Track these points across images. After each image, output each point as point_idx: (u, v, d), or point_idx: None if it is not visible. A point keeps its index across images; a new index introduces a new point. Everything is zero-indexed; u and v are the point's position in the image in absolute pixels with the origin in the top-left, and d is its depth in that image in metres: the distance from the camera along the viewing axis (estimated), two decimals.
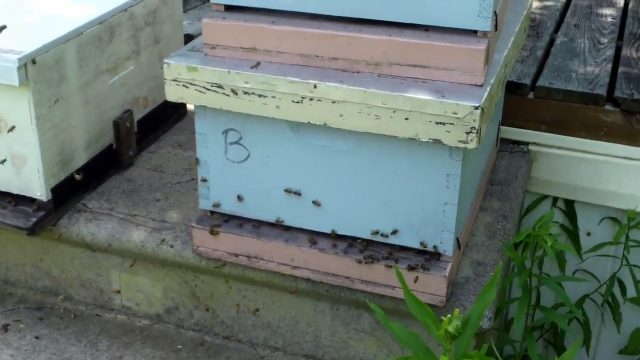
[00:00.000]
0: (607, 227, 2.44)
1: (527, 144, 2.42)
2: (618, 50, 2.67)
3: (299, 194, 1.82)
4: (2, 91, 1.91)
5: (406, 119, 1.62)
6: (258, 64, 1.71)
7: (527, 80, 2.42)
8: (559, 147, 2.39)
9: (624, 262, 2.34)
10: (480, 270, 1.89)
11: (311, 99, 1.68)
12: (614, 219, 2.41)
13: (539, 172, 2.43)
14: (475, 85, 1.63)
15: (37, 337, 2.08)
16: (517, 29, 1.96)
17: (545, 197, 2.47)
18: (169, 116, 2.51)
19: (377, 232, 1.80)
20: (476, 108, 1.56)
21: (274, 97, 1.71)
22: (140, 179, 2.26)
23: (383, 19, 1.69)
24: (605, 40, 2.73)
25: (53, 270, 2.19)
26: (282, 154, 1.80)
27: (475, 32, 1.64)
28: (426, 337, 1.57)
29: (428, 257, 1.78)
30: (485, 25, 1.62)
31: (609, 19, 2.93)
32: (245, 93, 1.73)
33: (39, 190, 2.02)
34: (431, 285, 1.76)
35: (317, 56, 1.72)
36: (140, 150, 2.38)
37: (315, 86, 1.66)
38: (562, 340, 2.49)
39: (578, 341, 1.19)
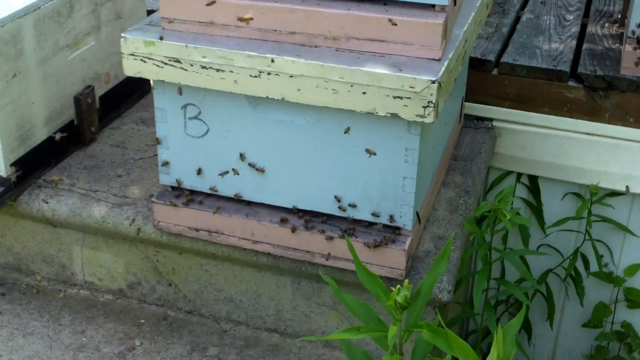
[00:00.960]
0: (571, 202, 2.46)
1: (491, 120, 2.43)
2: (584, 27, 2.68)
3: (258, 169, 1.82)
4: None
5: (364, 93, 1.62)
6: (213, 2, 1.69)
7: (492, 57, 2.42)
8: (523, 123, 2.40)
9: (587, 237, 2.36)
10: (441, 245, 1.90)
11: (269, 74, 1.67)
12: (577, 195, 2.42)
13: (503, 147, 2.44)
14: (433, 59, 1.63)
15: None
16: (478, 5, 1.96)
17: (510, 172, 2.49)
18: (132, 92, 2.49)
19: (336, 207, 1.80)
20: (433, 82, 1.56)
21: (231, 71, 1.70)
22: (102, 155, 2.25)
23: None
24: (571, 17, 2.73)
25: (15, 246, 2.18)
26: (241, 129, 1.79)
27: (433, 6, 1.64)
28: (380, 309, 1.58)
29: (388, 231, 1.79)
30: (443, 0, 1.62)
31: None
32: (203, 67, 1.72)
33: None
34: (390, 259, 1.76)
35: (275, 30, 1.71)
36: (102, 126, 2.36)
37: (272, 60, 1.66)
38: (527, 314, 2.51)
39: (522, 311, 1.20)
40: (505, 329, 1.15)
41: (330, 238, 1.79)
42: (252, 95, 1.73)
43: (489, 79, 2.40)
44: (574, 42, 2.53)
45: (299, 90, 1.67)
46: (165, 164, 1.89)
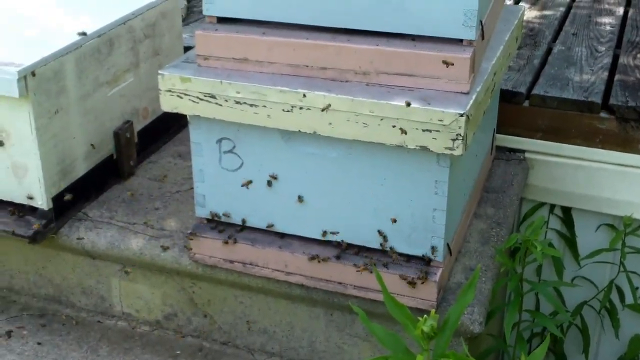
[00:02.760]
0: (605, 233, 2.45)
1: (523, 151, 2.45)
2: (616, 58, 2.69)
3: (292, 201, 1.85)
4: (2, 103, 1.96)
5: (393, 126, 1.65)
6: None
7: (523, 89, 2.44)
8: (555, 155, 2.41)
9: (622, 269, 2.35)
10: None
11: (301, 108, 1.71)
12: (611, 226, 2.42)
13: (535, 179, 2.45)
14: (461, 93, 1.66)
15: (39, 343, 2.12)
16: (506, 38, 1.99)
17: (543, 204, 2.49)
18: (169, 127, 2.55)
19: (368, 238, 1.82)
20: (461, 115, 1.59)
21: (264, 106, 1.74)
22: (140, 189, 2.31)
23: (371, 29, 1.72)
24: (603, 49, 2.75)
25: (55, 278, 2.24)
26: (274, 162, 1.83)
27: (461, 40, 1.67)
28: (410, 341, 1.59)
29: (419, 262, 1.80)
30: (470, 34, 1.65)
31: (608, 28, 2.94)
32: (237, 103, 1.77)
33: (40, 200, 2.06)
34: (422, 291, 1.78)
35: (307, 66, 1.75)
36: (141, 160, 2.42)
37: (304, 95, 1.70)
38: (562, 347, 2.50)
39: (546, 341, 1.21)
40: (530, 357, 1.16)
41: (362, 269, 1.82)
42: (284, 129, 1.77)
43: (521, 110, 2.42)
44: (606, 73, 2.54)
45: (330, 124, 1.70)
46: (201, 196, 1.94)
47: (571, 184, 2.41)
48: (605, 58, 2.66)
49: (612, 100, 2.33)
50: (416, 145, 1.65)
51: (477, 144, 2.01)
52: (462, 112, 1.59)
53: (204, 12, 1.83)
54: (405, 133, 1.64)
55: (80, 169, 2.17)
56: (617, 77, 2.51)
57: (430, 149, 1.64)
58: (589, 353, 2.48)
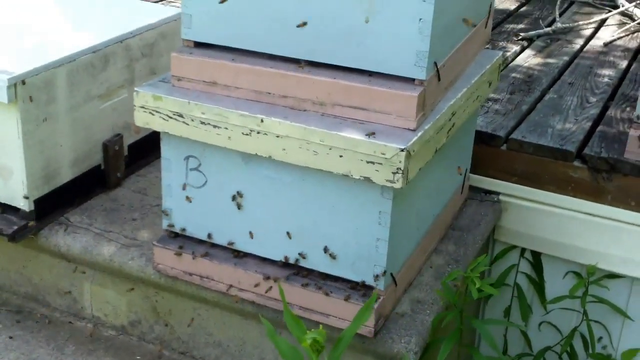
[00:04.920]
0: (572, 281, 2.47)
1: (498, 194, 2.49)
2: (605, 109, 2.72)
3: (251, 221, 1.94)
4: None
5: (340, 156, 1.73)
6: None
7: (502, 133, 2.49)
8: (529, 200, 2.45)
9: (584, 317, 2.37)
10: (418, 308, 1.96)
11: (258, 132, 1.80)
12: (578, 274, 2.44)
13: (508, 222, 2.49)
14: (408, 129, 1.74)
15: (10, 337, 2.23)
16: (473, 81, 2.05)
17: (514, 247, 2.53)
18: None
19: (317, 262, 1.89)
20: (402, 150, 1.66)
21: (226, 128, 1.84)
22: (123, 199, 2.41)
23: (332, 63, 1.81)
24: (594, 100, 2.79)
25: (34, 277, 2.35)
26: (235, 182, 1.92)
27: (413, 80, 1.75)
28: None
29: (361, 289, 1.87)
30: (421, 74, 1.73)
31: (606, 79, 2.98)
32: (202, 123, 1.86)
33: (22, 201, 2.18)
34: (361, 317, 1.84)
35: (269, 93, 1.85)
36: (129, 173, 2.53)
37: (262, 120, 1.79)
38: None
39: None
40: None
41: (311, 292, 1.89)
42: (244, 152, 1.86)
43: (498, 153, 2.47)
44: (589, 124, 2.58)
45: (284, 149, 1.79)
46: (167, 210, 2.03)
47: (542, 230, 2.45)
48: (594, 109, 2.70)
49: (586, 150, 2.37)
50: (360, 176, 1.72)
51: (436, 181, 2.07)
52: (403, 147, 1.66)
53: (182, 36, 1.94)
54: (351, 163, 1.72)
55: (66, 176, 2.29)
56: (599, 128, 2.55)
57: (373, 180, 1.71)
58: None
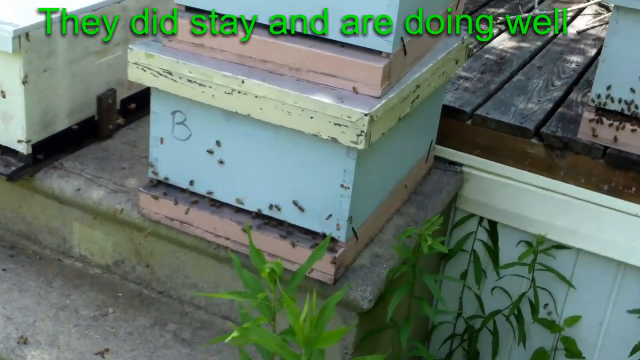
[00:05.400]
0: (523, 249, 2.67)
1: (461, 165, 2.69)
2: (568, 93, 2.91)
3: (229, 173, 2.13)
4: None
5: (311, 117, 1.92)
6: None
7: (469, 109, 2.69)
8: (488, 172, 2.65)
9: (532, 284, 2.58)
10: (376, 261, 2.17)
11: (239, 92, 1.99)
12: (529, 243, 2.65)
13: (468, 192, 2.69)
14: (373, 97, 1.93)
15: (4, 269, 2.42)
16: (439, 58, 2.24)
17: (473, 215, 2.73)
18: None
19: (287, 214, 2.09)
20: (365, 115, 1.86)
21: (210, 87, 2.02)
22: (114, 150, 2.60)
23: (309, 33, 1.99)
24: (559, 83, 2.98)
25: (27, 216, 2.54)
26: (216, 137, 2.11)
27: (381, 52, 1.94)
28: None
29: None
30: (388, 47, 1.92)
31: (573, 65, 3.17)
32: (189, 81, 2.05)
33: (21, 145, 2.37)
34: (323, 265, 2.04)
35: (251, 57, 2.03)
36: (120, 126, 2.71)
37: (243, 81, 1.98)
38: (475, 346, 2.74)
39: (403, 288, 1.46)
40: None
41: (281, 240, 2.08)
42: (226, 109, 2.05)
43: (464, 127, 2.66)
44: (551, 105, 2.77)
45: (261, 109, 1.98)
46: (155, 159, 2.22)
47: (499, 200, 2.65)
48: (557, 92, 2.90)
49: (543, 129, 2.57)
50: (328, 136, 1.92)
51: (400, 147, 2.26)
52: (367, 112, 1.86)
53: (175, 1, 2.12)
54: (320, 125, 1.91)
55: (62, 124, 2.47)
56: (559, 109, 2.74)
57: (339, 141, 1.91)
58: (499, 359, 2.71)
